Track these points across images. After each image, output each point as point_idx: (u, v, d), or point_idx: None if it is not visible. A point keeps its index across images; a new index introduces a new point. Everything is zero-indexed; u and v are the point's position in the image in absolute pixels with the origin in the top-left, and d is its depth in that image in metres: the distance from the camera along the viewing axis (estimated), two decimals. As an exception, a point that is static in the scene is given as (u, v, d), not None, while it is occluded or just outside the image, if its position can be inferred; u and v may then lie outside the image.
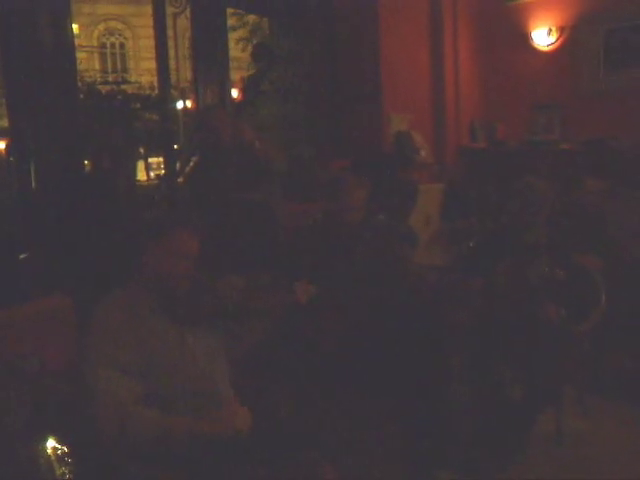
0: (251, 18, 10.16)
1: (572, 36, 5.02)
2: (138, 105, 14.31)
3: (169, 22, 4.38)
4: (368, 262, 2.57)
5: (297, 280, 2.05)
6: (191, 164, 3.54)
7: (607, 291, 2.81)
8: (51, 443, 1.70)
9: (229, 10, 4.73)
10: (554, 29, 5.11)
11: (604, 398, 3.09)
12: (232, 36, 9.74)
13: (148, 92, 15.30)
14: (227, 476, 1.67)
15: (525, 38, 5.27)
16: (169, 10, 4.13)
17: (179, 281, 1.78)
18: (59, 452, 1.67)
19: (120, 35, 25.25)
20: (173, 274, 1.77)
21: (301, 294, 2.01)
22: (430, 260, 3.78)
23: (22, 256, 3.20)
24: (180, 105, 12.84)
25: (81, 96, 9.29)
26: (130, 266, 1.84)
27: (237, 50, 9.87)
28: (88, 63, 21.18)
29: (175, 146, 4.52)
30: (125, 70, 24.37)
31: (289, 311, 2.03)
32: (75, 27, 4.03)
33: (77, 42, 4.44)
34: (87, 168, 3.59)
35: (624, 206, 3.64)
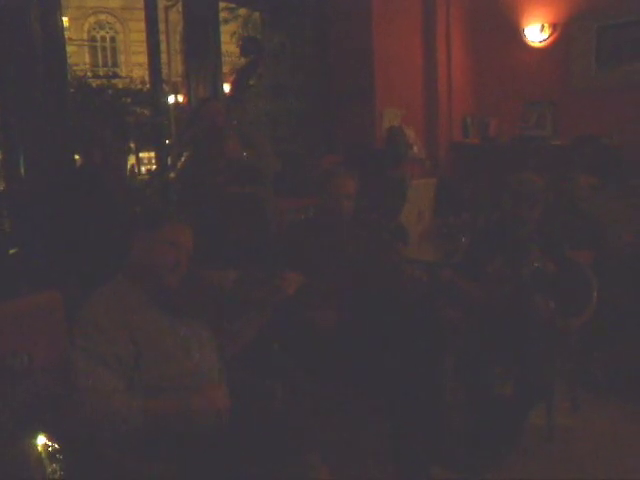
0: (243, 11, 10.12)
1: (565, 33, 5.03)
2: (129, 99, 14.24)
3: (161, 15, 4.35)
4: (360, 258, 2.57)
5: (280, 272, 2.00)
6: (182, 159, 3.52)
7: (598, 286, 2.82)
8: (41, 440, 1.69)
9: (221, 3, 4.69)
10: (547, 25, 5.11)
11: (595, 394, 3.11)
12: (225, 29, 9.71)
13: (139, 86, 15.22)
14: (221, 475, 1.66)
15: (518, 34, 5.27)
16: (161, 3, 4.12)
17: (171, 271, 1.78)
18: (49, 449, 1.65)
19: (111, 29, 25.06)
20: (166, 264, 1.77)
21: (287, 285, 1.97)
22: (422, 256, 3.78)
23: (12, 251, 3.18)
24: (171, 100, 12.79)
25: (71, 90, 9.23)
26: (121, 260, 1.83)
27: (230, 44, 9.82)
28: (78, 57, 21.03)
29: (166, 141, 4.50)
30: (116, 64, 24.20)
31: (281, 305, 2.01)
32: (65, 20, 3.99)
33: (67, 35, 4.40)
34: (77, 163, 3.56)
35: (615, 201, 3.66)
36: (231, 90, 3.51)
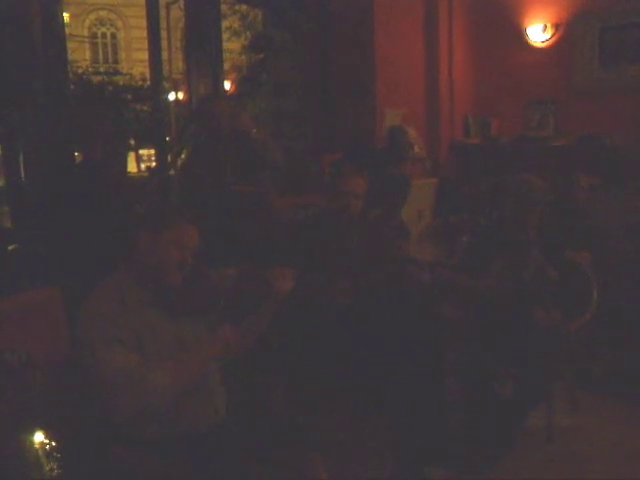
0: (243, 7, 10.10)
1: (567, 33, 5.01)
2: (129, 96, 14.22)
3: (162, 12, 4.34)
4: (363, 255, 2.56)
5: (269, 269, 1.94)
6: (183, 156, 3.51)
7: (598, 287, 2.82)
8: (39, 438, 1.68)
9: (221, -1, 4.68)
10: (549, 26, 5.09)
11: (594, 394, 3.10)
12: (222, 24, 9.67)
13: (139, 83, 15.20)
14: (221, 474, 1.65)
15: (520, 34, 5.25)
16: (162, 0, 4.10)
17: (176, 271, 1.76)
18: (47, 447, 1.65)
19: (112, 25, 25.03)
20: (171, 264, 1.75)
21: (280, 283, 1.91)
22: (422, 255, 3.78)
23: (11, 247, 3.17)
24: (172, 97, 12.78)
25: (71, 86, 9.20)
26: (122, 257, 1.81)
27: (231, 42, 9.80)
28: (78, 53, 21.00)
29: (166, 138, 4.49)
30: (116, 61, 24.18)
31: (283, 304, 1.98)
32: (65, 16, 3.98)
33: (67, 31, 4.39)
34: (77, 159, 3.55)
35: (616, 202, 3.65)
36: (235, 88, 3.50)
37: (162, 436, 1.69)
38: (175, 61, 15.69)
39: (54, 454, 1.64)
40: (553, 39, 5.11)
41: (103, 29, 24.96)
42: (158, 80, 4.23)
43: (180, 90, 12.54)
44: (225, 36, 9.96)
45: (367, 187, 2.61)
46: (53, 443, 1.71)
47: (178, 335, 1.78)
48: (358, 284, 2.48)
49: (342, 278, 2.46)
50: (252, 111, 5.24)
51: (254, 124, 3.21)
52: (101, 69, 20.65)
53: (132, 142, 13.60)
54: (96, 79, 15.66)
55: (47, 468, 1.62)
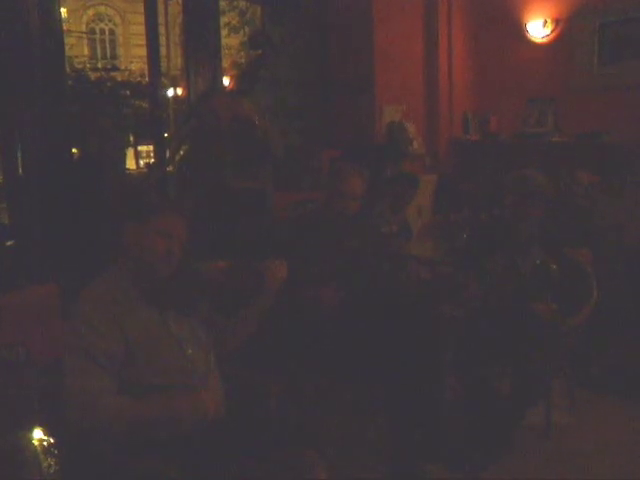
0: (242, 3, 10.06)
1: (567, 28, 5.01)
2: (128, 92, 14.17)
3: (160, 8, 4.32)
4: (360, 254, 2.56)
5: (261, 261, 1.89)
6: (181, 152, 3.50)
7: (597, 285, 2.82)
8: (37, 434, 1.68)
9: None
10: (549, 21, 5.09)
11: (592, 393, 3.10)
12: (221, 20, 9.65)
13: (138, 79, 15.16)
14: (217, 474, 1.65)
15: (520, 30, 5.25)
16: (160, -5, 4.08)
17: (163, 261, 1.73)
18: (45, 444, 1.64)
19: (110, 21, 24.96)
20: (157, 254, 1.72)
21: (273, 273, 1.86)
22: (422, 252, 3.77)
23: (9, 243, 3.16)
24: (170, 93, 12.75)
25: (69, 82, 9.18)
26: (112, 255, 1.79)
27: (230, 38, 9.77)
28: (77, 49, 20.95)
29: (165, 134, 4.48)
30: (115, 57, 24.12)
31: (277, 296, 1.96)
32: (63, 11, 3.97)
33: (65, 27, 4.37)
34: (75, 155, 3.54)
35: (614, 199, 3.65)
36: (234, 84, 3.47)
37: (161, 435, 1.68)
38: (174, 57, 15.67)
39: (52, 450, 1.64)
40: (553, 34, 5.10)
41: (101, 25, 24.89)
42: (157, 76, 4.21)
43: (179, 86, 12.51)
44: (224, 32, 9.94)
45: (365, 186, 2.60)
46: (52, 440, 1.71)
47: (169, 330, 1.76)
48: (355, 282, 2.47)
49: (337, 272, 2.45)
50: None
51: (255, 113, 3.17)
52: (99, 65, 20.58)
53: (131, 138, 13.56)
54: (94, 75, 15.61)
55: (45, 464, 1.62)
